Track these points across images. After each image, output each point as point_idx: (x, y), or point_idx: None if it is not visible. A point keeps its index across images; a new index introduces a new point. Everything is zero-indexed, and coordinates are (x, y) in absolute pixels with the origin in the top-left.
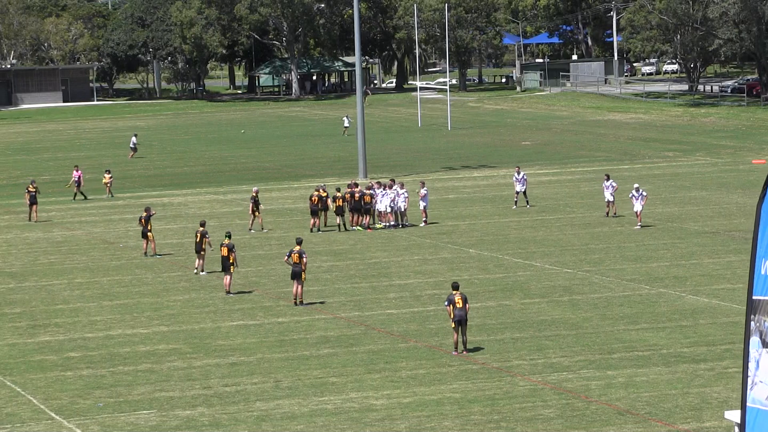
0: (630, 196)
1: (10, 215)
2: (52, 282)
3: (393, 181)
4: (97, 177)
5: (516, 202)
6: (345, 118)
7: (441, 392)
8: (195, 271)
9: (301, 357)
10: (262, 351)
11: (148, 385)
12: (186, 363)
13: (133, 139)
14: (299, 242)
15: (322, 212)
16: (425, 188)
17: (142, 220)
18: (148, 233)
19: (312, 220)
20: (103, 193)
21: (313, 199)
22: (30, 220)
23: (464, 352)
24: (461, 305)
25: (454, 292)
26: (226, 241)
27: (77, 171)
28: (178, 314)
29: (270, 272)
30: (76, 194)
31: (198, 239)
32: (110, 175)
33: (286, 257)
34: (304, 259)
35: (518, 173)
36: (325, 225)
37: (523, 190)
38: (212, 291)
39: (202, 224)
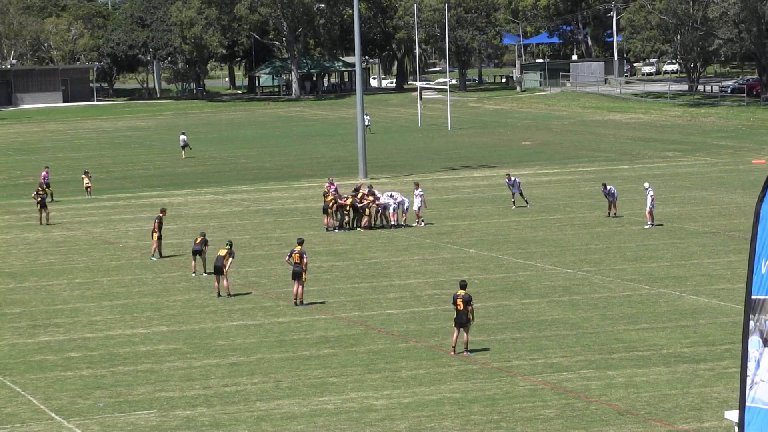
0: (648, 196)
1: (10, 215)
2: (52, 282)
3: (417, 185)
4: (97, 177)
5: (514, 202)
6: (366, 117)
7: (441, 392)
8: (194, 273)
9: (301, 357)
10: (262, 351)
11: (148, 385)
12: (186, 363)
13: (183, 137)
14: (300, 242)
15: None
16: (420, 189)
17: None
18: (153, 234)
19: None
20: (83, 194)
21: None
22: (41, 223)
23: (465, 353)
24: (462, 308)
25: (460, 291)
26: (227, 249)
27: (46, 172)
28: (178, 314)
29: (270, 272)
30: (53, 195)
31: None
32: (89, 177)
33: (287, 257)
34: (305, 260)
35: (509, 180)
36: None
37: (519, 192)
38: (212, 291)
39: (230, 244)
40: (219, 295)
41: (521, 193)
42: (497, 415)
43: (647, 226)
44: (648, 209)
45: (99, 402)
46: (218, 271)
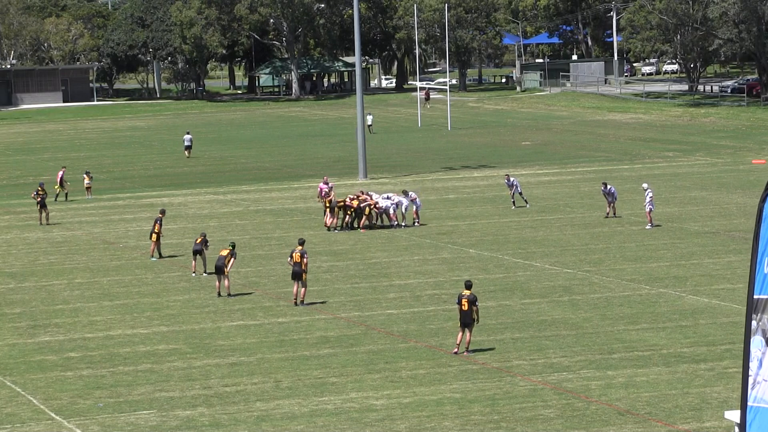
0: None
1: (10, 215)
2: (52, 282)
3: (405, 192)
4: (97, 177)
5: (514, 202)
6: (369, 117)
7: (441, 392)
8: (194, 274)
9: (301, 357)
10: (262, 351)
11: (148, 385)
12: (186, 363)
13: (188, 137)
14: (301, 243)
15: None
16: (412, 193)
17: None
18: (153, 234)
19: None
20: (83, 195)
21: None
22: (41, 223)
23: (465, 353)
24: (467, 308)
25: (465, 291)
26: (229, 249)
27: (62, 171)
28: (178, 314)
29: (270, 272)
30: (58, 194)
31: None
32: (90, 177)
33: (289, 258)
34: (305, 260)
35: (508, 180)
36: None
37: (518, 192)
38: (212, 291)
39: (233, 245)
40: (219, 295)
41: (521, 193)
42: (497, 415)
43: (647, 227)
44: (647, 210)
45: (99, 402)
46: (219, 270)
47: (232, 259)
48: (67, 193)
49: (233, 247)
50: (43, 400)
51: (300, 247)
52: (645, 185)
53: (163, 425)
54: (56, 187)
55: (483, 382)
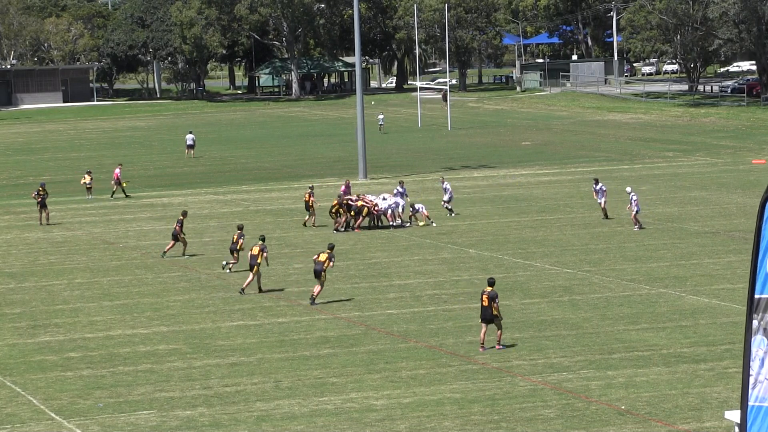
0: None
1: (10, 215)
2: (52, 282)
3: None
4: (97, 177)
5: (451, 210)
6: (380, 116)
7: (441, 392)
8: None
9: (301, 357)
10: (262, 351)
11: (148, 386)
12: (186, 363)
13: (191, 136)
14: (330, 248)
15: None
16: (398, 198)
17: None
18: (180, 235)
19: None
20: (84, 194)
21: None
22: (41, 223)
23: (497, 347)
24: (486, 304)
25: (487, 288)
26: (260, 244)
27: (119, 168)
28: (178, 314)
29: (270, 272)
30: (114, 191)
31: (234, 240)
32: (91, 177)
33: (315, 256)
34: (330, 264)
35: (443, 183)
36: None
37: (447, 198)
38: (212, 291)
39: (262, 239)
40: (242, 292)
41: (448, 200)
42: (497, 415)
43: (635, 229)
44: (633, 213)
45: (99, 402)
46: (253, 268)
47: (264, 253)
48: (124, 189)
49: (263, 240)
50: (43, 400)
51: (329, 251)
52: (629, 189)
53: (163, 425)
54: (125, 183)
55: (483, 382)
